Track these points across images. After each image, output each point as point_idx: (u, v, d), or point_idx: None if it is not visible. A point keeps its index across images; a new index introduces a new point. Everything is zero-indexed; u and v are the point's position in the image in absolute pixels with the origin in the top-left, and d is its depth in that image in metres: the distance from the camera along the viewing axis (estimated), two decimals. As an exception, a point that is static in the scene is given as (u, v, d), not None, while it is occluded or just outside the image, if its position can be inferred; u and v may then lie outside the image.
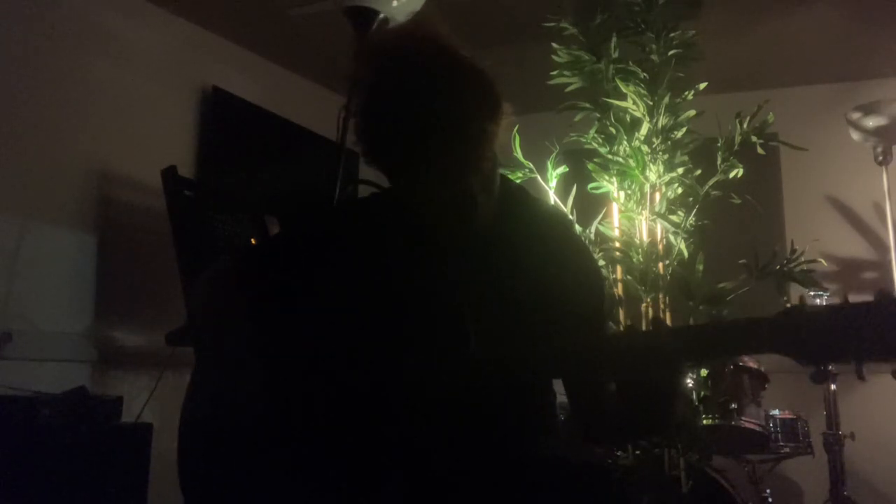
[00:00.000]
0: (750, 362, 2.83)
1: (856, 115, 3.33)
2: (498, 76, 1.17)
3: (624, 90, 2.48)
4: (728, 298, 2.30)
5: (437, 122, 1.10)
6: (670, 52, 2.52)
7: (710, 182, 2.45)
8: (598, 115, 2.56)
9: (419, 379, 1.13)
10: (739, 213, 2.51)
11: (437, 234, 1.23)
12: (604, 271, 2.51)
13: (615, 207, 2.60)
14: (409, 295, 1.21)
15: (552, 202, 2.56)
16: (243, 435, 1.20)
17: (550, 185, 2.57)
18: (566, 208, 2.54)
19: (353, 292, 1.23)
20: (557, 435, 1.25)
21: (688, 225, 2.44)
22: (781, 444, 2.85)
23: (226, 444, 1.21)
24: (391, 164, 1.18)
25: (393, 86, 1.13)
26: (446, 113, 1.10)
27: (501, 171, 1.26)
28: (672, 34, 2.54)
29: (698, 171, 2.50)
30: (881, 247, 3.61)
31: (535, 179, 2.56)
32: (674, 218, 2.46)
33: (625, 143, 2.53)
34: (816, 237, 2.60)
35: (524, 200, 1.34)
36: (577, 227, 2.51)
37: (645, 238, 2.52)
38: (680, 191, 2.51)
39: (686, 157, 2.53)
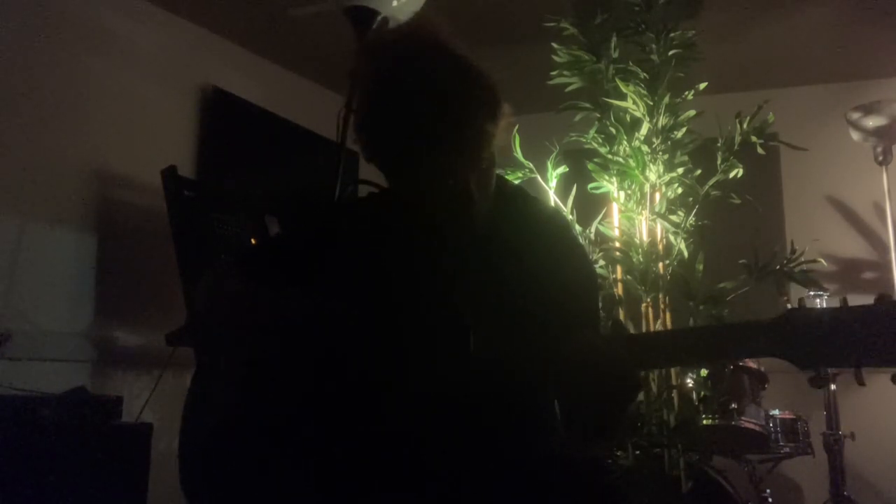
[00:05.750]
0: (750, 362, 2.83)
1: (856, 115, 3.33)
2: (498, 76, 1.18)
3: (624, 90, 2.48)
4: (728, 298, 2.31)
5: (437, 121, 1.12)
6: (670, 52, 2.52)
7: (710, 182, 2.45)
8: (598, 115, 2.57)
9: (419, 378, 1.14)
10: (739, 213, 2.51)
11: (435, 233, 1.23)
12: (604, 271, 2.51)
13: (615, 207, 2.60)
14: (409, 294, 1.21)
15: (552, 202, 2.56)
16: (245, 436, 1.20)
17: (550, 185, 2.57)
18: (566, 208, 2.54)
19: (354, 292, 1.23)
20: (557, 434, 1.25)
21: (688, 225, 2.44)
22: (781, 444, 2.85)
23: (227, 445, 1.21)
24: (391, 162, 1.20)
25: (395, 85, 1.15)
26: (446, 113, 1.12)
27: (501, 171, 1.26)
28: (672, 34, 2.54)
29: (698, 171, 2.50)
30: (881, 247, 3.61)
31: (535, 179, 2.56)
32: (674, 218, 2.46)
33: (625, 143, 2.53)
34: (816, 237, 2.60)
35: (522, 201, 1.35)
36: (577, 227, 2.52)
37: (645, 238, 2.52)
38: (680, 191, 2.51)
39: (686, 157, 2.53)
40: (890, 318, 0.91)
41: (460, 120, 1.13)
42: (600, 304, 1.51)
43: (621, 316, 2.52)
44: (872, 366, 0.93)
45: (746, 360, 2.83)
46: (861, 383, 0.95)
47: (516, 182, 2.52)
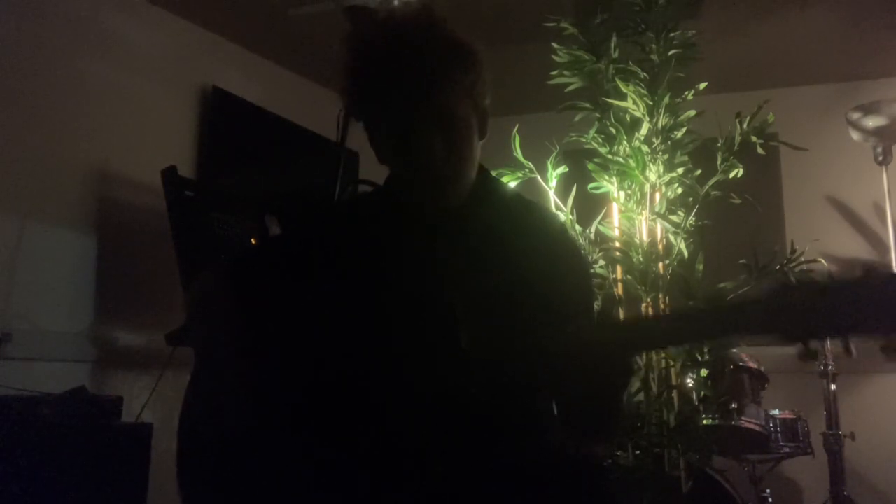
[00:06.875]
0: (750, 362, 2.84)
1: (856, 115, 3.33)
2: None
3: (624, 90, 2.48)
4: (728, 298, 2.30)
5: (397, 60, 1.15)
6: (670, 52, 2.52)
7: (710, 182, 2.45)
8: (598, 115, 2.56)
9: (411, 375, 1.14)
10: (739, 213, 2.51)
11: (421, 217, 1.23)
12: (604, 271, 2.51)
13: (615, 207, 2.60)
14: (402, 293, 1.21)
15: (552, 202, 2.56)
16: (242, 436, 1.20)
17: (550, 185, 2.57)
18: (566, 208, 2.54)
19: (350, 292, 1.23)
20: (554, 431, 1.24)
21: (688, 225, 2.44)
22: (781, 444, 2.86)
23: (224, 445, 1.21)
24: (364, 114, 1.24)
25: (366, 44, 1.20)
26: (415, 55, 1.15)
27: (500, 171, 1.26)
28: (672, 34, 2.54)
29: (698, 171, 2.50)
30: (881, 247, 3.61)
31: (535, 179, 2.56)
32: (674, 218, 2.46)
33: (625, 143, 2.53)
34: (816, 237, 2.61)
35: (519, 201, 1.36)
36: (577, 228, 2.52)
37: (645, 238, 2.52)
38: (680, 191, 2.51)
39: (686, 157, 2.53)
40: (878, 289, 0.90)
41: (421, 59, 1.14)
42: (597, 305, 1.51)
43: (621, 316, 2.52)
44: (861, 337, 0.92)
45: (747, 360, 2.84)
46: (849, 353, 0.93)
47: (516, 182, 2.52)
